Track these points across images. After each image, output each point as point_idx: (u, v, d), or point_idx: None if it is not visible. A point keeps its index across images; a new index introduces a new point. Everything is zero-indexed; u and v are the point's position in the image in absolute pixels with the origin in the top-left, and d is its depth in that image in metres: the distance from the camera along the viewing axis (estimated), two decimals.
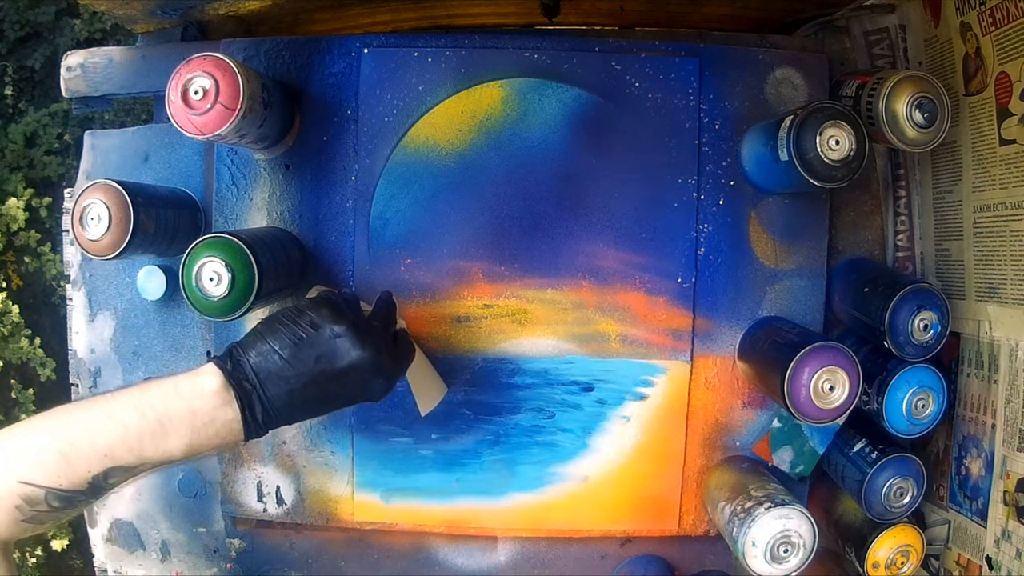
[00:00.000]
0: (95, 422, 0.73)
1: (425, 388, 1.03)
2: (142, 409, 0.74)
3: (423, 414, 1.03)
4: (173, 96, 0.90)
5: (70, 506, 0.73)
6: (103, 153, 1.15)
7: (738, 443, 1.10)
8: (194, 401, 0.76)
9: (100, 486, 0.74)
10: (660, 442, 1.09)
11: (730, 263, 1.08)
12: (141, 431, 0.74)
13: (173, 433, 0.75)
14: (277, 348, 0.79)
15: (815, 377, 0.92)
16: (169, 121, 0.91)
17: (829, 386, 0.93)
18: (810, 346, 0.93)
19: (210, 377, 0.77)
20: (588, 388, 1.09)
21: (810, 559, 0.92)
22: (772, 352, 1.00)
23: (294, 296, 1.08)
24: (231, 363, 0.79)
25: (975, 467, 1.02)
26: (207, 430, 0.76)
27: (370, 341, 0.82)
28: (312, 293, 0.98)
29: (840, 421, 1.01)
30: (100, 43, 3.87)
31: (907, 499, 1.02)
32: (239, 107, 0.90)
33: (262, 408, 0.78)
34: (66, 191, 1.16)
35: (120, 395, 0.76)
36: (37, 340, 4.12)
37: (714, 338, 1.09)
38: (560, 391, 1.09)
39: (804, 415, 0.94)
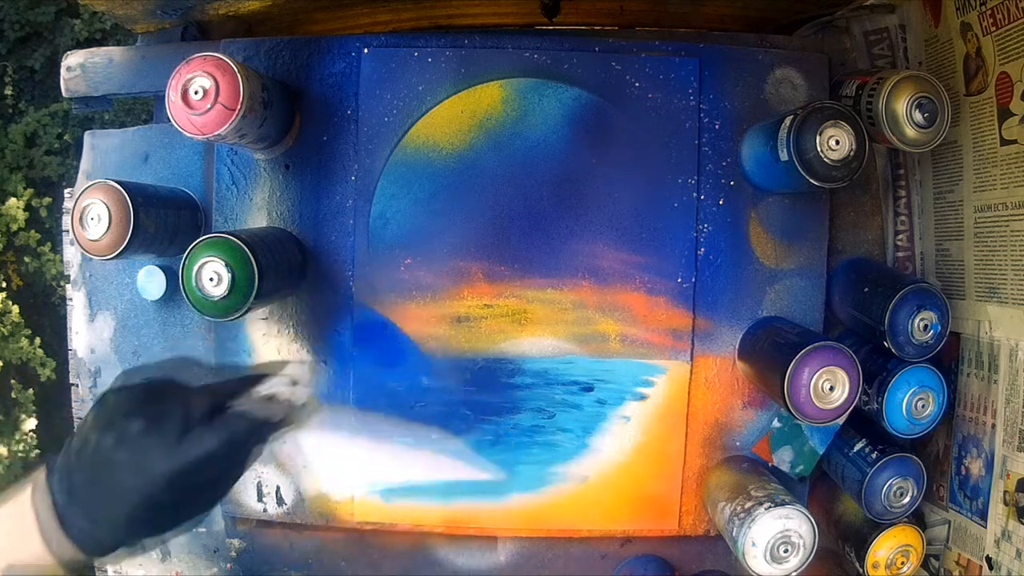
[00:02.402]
0: None
1: None
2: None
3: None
4: (173, 96, 0.90)
5: None
6: (103, 153, 1.15)
7: (738, 443, 1.10)
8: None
9: None
10: (660, 442, 1.09)
11: (730, 263, 1.08)
12: None
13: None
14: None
15: (815, 377, 0.92)
16: (169, 121, 0.91)
17: (829, 386, 0.93)
18: (810, 346, 0.93)
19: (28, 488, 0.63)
20: (588, 388, 1.09)
21: (810, 559, 0.92)
22: (772, 352, 1.00)
23: (294, 296, 1.08)
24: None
25: (975, 467, 1.02)
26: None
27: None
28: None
29: (840, 421, 1.01)
30: (100, 43, 3.87)
31: (907, 499, 1.02)
32: (239, 107, 0.90)
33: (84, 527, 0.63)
34: (66, 191, 1.16)
35: None
36: (37, 340, 4.12)
37: (714, 338, 1.09)
38: (560, 391, 1.09)
39: (804, 415, 0.94)
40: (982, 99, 0.99)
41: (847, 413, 0.96)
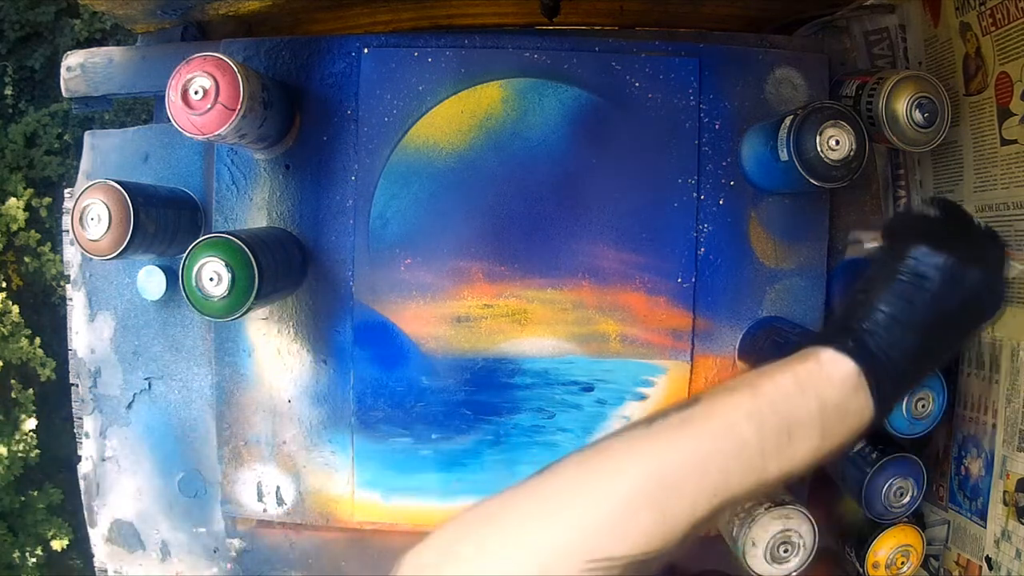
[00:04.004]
0: (698, 449, 0.57)
1: None
2: (760, 415, 0.58)
3: None
4: (173, 96, 0.90)
5: (640, 572, 0.56)
6: (103, 153, 1.15)
7: None
8: (823, 393, 0.60)
9: (689, 536, 0.58)
10: None
11: (730, 263, 1.08)
12: (764, 445, 0.58)
13: (800, 439, 0.59)
14: (888, 309, 0.64)
15: None
16: (169, 121, 0.91)
17: None
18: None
19: (839, 361, 0.62)
20: (588, 388, 1.09)
21: (810, 559, 0.92)
22: (772, 352, 1.00)
23: (294, 296, 1.08)
24: (851, 340, 0.63)
25: (975, 467, 1.02)
26: (837, 426, 0.61)
27: (975, 255, 0.67)
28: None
29: None
30: (100, 43, 3.87)
31: (907, 499, 1.02)
32: (239, 107, 0.90)
33: (890, 382, 0.63)
34: (66, 191, 1.16)
35: (718, 404, 0.59)
36: (37, 340, 4.12)
37: (714, 338, 1.09)
38: (560, 391, 1.09)
39: None
40: (982, 99, 0.99)
41: None
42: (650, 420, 0.59)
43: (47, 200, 4.18)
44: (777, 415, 0.59)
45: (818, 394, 0.60)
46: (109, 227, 0.95)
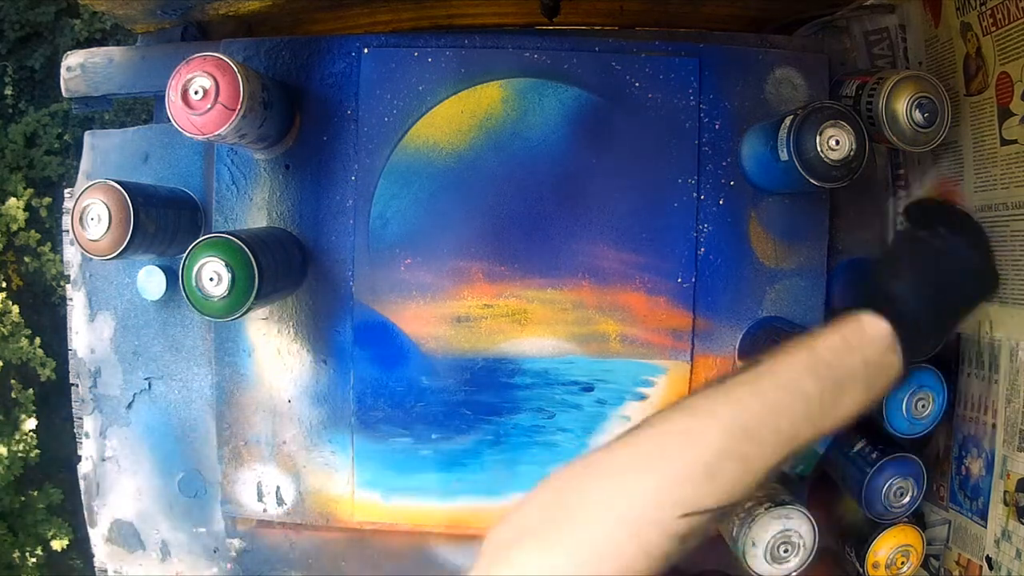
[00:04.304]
0: (771, 403, 0.63)
1: None
2: (817, 371, 0.66)
3: None
4: (173, 96, 0.90)
5: (722, 519, 0.64)
6: (103, 153, 1.15)
7: None
8: (866, 351, 0.69)
9: (765, 482, 0.64)
10: None
11: (730, 263, 1.08)
12: (822, 397, 0.66)
13: (849, 391, 0.67)
14: (913, 279, 0.76)
15: None
16: (169, 121, 0.91)
17: None
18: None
19: (877, 322, 0.71)
20: (588, 388, 1.09)
21: (810, 559, 0.92)
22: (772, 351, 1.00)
23: (294, 296, 1.08)
24: (886, 304, 0.73)
25: (975, 467, 1.02)
26: (877, 380, 0.70)
27: (979, 240, 0.81)
28: None
29: None
30: (100, 43, 3.87)
31: (907, 499, 1.02)
32: (239, 107, 0.90)
33: (914, 342, 0.73)
34: (66, 191, 1.16)
35: (781, 364, 0.67)
36: (37, 340, 4.13)
37: (714, 338, 1.09)
38: (560, 391, 1.09)
39: None
40: (982, 99, 0.99)
41: None
42: (722, 379, 0.66)
43: (47, 200, 4.18)
44: (831, 370, 0.67)
45: (862, 352, 0.69)
46: (109, 227, 0.95)
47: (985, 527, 1.00)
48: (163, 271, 1.11)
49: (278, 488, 1.11)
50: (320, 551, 1.15)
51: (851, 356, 0.69)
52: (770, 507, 0.93)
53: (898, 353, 0.72)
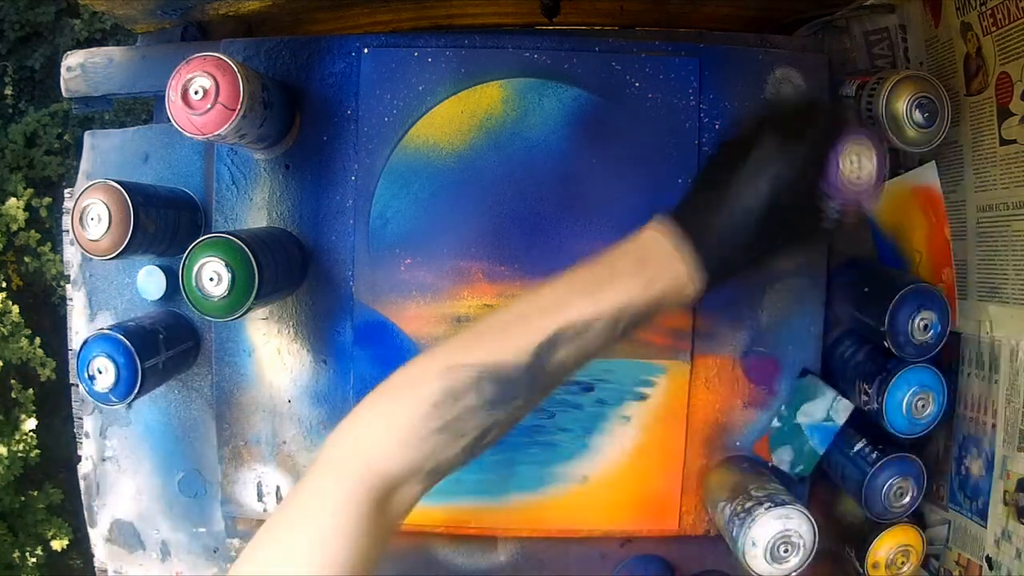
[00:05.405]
0: (539, 289, 0.72)
1: None
2: (588, 264, 0.73)
3: None
4: (173, 96, 0.90)
5: (504, 400, 0.72)
6: (103, 153, 1.15)
7: (738, 443, 1.10)
8: (641, 250, 0.73)
9: (542, 363, 0.70)
10: (660, 442, 1.09)
11: None
12: (588, 278, 0.72)
13: (620, 281, 0.71)
14: (718, 187, 0.74)
15: (842, 156, 0.74)
16: (169, 121, 0.91)
17: (857, 165, 0.75)
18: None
19: (655, 228, 0.75)
20: (588, 388, 1.09)
21: (810, 559, 0.92)
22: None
23: (294, 296, 1.08)
24: (674, 213, 0.75)
25: (975, 467, 1.02)
26: (655, 284, 0.72)
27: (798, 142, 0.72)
28: None
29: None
30: (100, 43, 3.87)
31: (907, 499, 1.02)
32: (239, 107, 0.90)
33: (712, 255, 0.72)
34: (66, 191, 1.16)
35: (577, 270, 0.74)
36: (37, 340, 4.13)
37: (714, 338, 1.09)
38: (560, 391, 1.08)
39: (837, 191, 0.74)
40: (982, 99, 0.99)
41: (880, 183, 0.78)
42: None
43: (47, 200, 4.18)
44: (601, 261, 0.74)
45: (637, 250, 0.74)
46: (109, 227, 0.95)
47: (985, 527, 1.00)
48: (163, 271, 1.11)
49: (278, 488, 1.11)
50: None
51: (622, 256, 0.74)
52: (770, 507, 0.93)
53: (687, 262, 0.72)
